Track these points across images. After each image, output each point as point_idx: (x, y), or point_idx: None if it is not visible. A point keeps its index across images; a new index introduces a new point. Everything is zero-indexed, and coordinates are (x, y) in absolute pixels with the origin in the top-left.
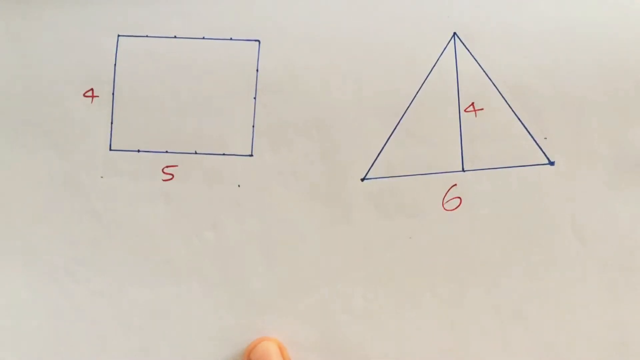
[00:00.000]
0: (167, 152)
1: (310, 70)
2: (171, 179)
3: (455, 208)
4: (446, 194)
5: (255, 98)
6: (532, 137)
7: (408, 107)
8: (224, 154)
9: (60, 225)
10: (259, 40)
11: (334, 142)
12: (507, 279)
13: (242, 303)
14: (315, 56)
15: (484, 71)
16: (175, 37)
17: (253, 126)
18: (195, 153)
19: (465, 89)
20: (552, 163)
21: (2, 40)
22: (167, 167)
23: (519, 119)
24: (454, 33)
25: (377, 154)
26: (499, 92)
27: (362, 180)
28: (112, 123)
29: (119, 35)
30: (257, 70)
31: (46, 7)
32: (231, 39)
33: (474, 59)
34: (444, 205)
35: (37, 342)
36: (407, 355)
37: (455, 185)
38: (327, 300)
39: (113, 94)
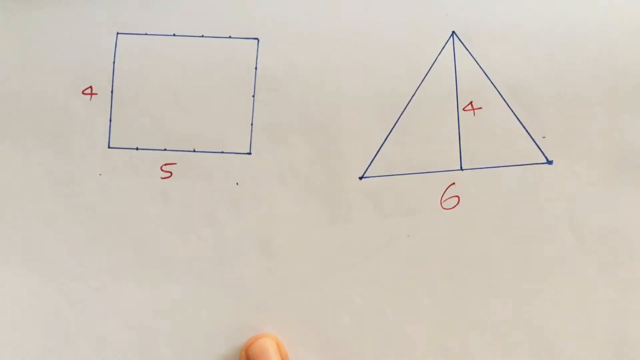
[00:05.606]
0: (165, 149)
1: (309, 68)
2: (169, 176)
3: (453, 207)
4: (444, 192)
5: (253, 96)
6: (530, 136)
7: (406, 105)
8: (222, 152)
9: (59, 223)
10: (257, 39)
11: (333, 141)
12: (505, 277)
13: (240, 300)
14: (313, 54)
15: (483, 70)
16: (174, 35)
17: (251, 124)
18: (194, 151)
19: (464, 88)
20: (550, 162)
21: (1, 38)
22: (165, 164)
23: (517, 118)
24: (453, 32)
25: (375, 153)
26: (498, 91)
27: (361, 178)
28: (110, 120)
29: (118, 33)
30: (256, 69)
31: (45, 4)
32: (230, 37)
33: (473, 57)
34: (442, 204)
35: (34, 339)
36: (404, 352)
37: (454, 184)
38: (325, 297)
39: (112, 91)
